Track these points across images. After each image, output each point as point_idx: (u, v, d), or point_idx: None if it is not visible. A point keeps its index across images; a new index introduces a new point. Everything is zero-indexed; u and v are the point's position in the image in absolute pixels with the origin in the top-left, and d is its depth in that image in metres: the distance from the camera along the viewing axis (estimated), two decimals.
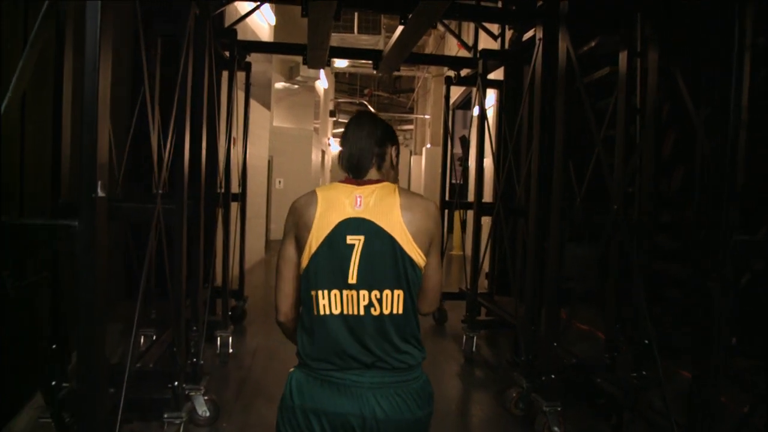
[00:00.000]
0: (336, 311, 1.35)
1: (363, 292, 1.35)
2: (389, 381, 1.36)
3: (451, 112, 15.55)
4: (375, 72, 19.04)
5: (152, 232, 2.30)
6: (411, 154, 21.50)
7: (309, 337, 1.39)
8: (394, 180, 1.54)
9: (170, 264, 2.65)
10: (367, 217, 1.37)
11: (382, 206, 1.39)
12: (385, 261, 1.36)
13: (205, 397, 3.01)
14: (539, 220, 3.31)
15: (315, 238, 1.37)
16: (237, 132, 4.97)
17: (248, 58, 5.26)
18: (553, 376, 3.03)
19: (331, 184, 1.48)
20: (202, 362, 3.05)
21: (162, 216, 2.38)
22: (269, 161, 11.40)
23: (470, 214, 5.72)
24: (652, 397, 3.10)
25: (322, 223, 1.37)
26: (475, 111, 10.69)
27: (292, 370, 1.44)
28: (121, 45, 4.26)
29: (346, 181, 1.47)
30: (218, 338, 4.17)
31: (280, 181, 12.48)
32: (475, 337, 4.49)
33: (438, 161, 15.85)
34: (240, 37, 5.13)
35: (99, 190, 1.48)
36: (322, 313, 1.36)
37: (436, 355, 4.68)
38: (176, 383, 2.64)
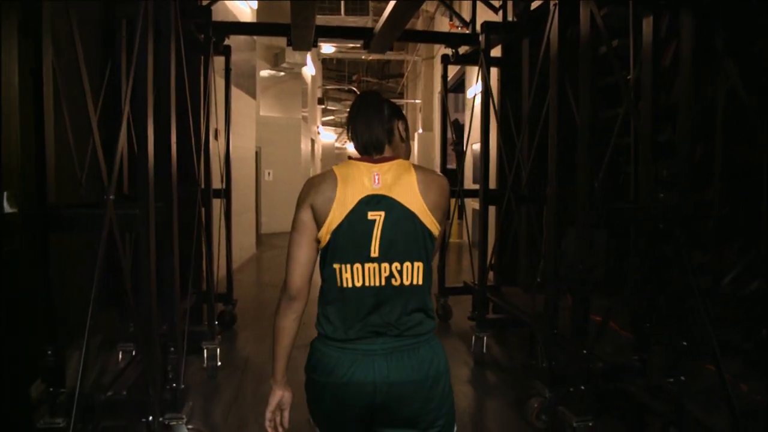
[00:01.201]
0: (358, 284, 1.41)
1: (384, 265, 1.41)
2: (399, 345, 1.42)
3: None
4: (363, 57, 18.44)
5: (102, 245, 1.91)
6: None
7: (329, 309, 1.44)
8: (406, 153, 1.57)
9: (137, 277, 2.26)
10: (387, 193, 1.42)
11: (400, 182, 1.44)
12: (406, 234, 1.42)
13: (189, 426, 2.63)
14: (558, 207, 2.93)
15: (337, 214, 1.41)
16: (218, 122, 4.54)
17: (227, 41, 4.82)
18: (582, 387, 2.68)
19: (347, 162, 1.50)
20: (183, 386, 2.66)
21: (116, 223, 1.99)
22: (257, 152, 10.95)
23: (469, 201, 5.36)
24: (688, 403, 2.76)
25: (343, 199, 1.41)
26: (469, 93, 10.32)
27: (312, 342, 1.50)
28: (82, 30, 3.81)
29: (362, 159, 1.49)
30: (204, 350, 3.79)
31: (269, 173, 12.04)
32: (485, 338, 4.13)
33: (431, 146, 15.52)
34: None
35: (5, 204, 1.10)
36: (345, 285, 1.41)
37: None
38: (151, 417, 2.26)
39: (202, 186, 3.79)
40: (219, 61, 4.99)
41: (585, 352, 2.72)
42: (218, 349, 3.83)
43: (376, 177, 1.44)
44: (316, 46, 4.84)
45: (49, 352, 2.58)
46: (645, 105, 3.09)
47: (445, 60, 5.13)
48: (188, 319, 4.40)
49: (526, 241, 4.75)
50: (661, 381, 2.85)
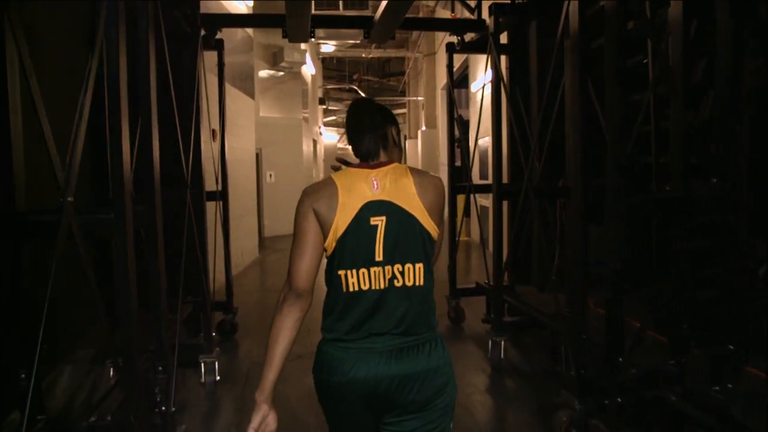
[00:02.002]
0: (365, 287, 1.44)
1: (388, 267, 1.45)
2: (400, 344, 1.45)
3: (444, 91, 14.74)
4: (363, 56, 18.16)
5: (57, 253, 1.65)
6: (406, 139, 20.75)
7: (335, 313, 1.47)
8: (399, 158, 1.60)
9: (116, 290, 2.00)
10: (387, 198, 1.46)
11: (398, 186, 1.48)
12: (407, 237, 1.46)
13: None
14: (584, 199, 2.66)
15: (341, 222, 1.44)
16: (211, 121, 4.27)
17: (220, 35, 4.56)
18: (619, 399, 2.40)
19: (345, 170, 1.54)
20: (173, 409, 2.39)
21: (77, 229, 1.73)
22: (257, 154, 10.69)
23: (477, 197, 5.07)
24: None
25: (346, 207, 1.44)
26: (473, 87, 10.02)
27: (319, 343, 1.52)
28: (67, 24, 3.56)
29: (359, 166, 1.53)
30: (202, 364, 3.53)
31: (271, 175, 11.79)
32: (502, 342, 3.86)
33: (435, 144, 15.22)
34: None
35: None
36: (352, 290, 1.44)
37: (457, 364, 4.03)
38: None
39: (191, 187, 3.51)
40: (213, 59, 4.75)
41: (621, 360, 2.43)
42: (216, 363, 3.57)
43: (375, 182, 1.48)
44: (313, 36, 4.58)
45: (23, 376, 2.32)
46: (675, 85, 2.81)
47: (450, 48, 4.85)
48: (185, 331, 4.16)
49: (538, 237, 4.48)
50: (705, 388, 2.57)
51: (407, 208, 1.46)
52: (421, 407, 1.46)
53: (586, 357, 2.80)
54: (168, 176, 3.60)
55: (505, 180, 5.10)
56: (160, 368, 2.36)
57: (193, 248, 3.37)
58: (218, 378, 3.57)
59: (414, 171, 1.52)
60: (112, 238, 1.95)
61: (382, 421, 1.50)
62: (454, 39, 4.83)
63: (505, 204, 4.58)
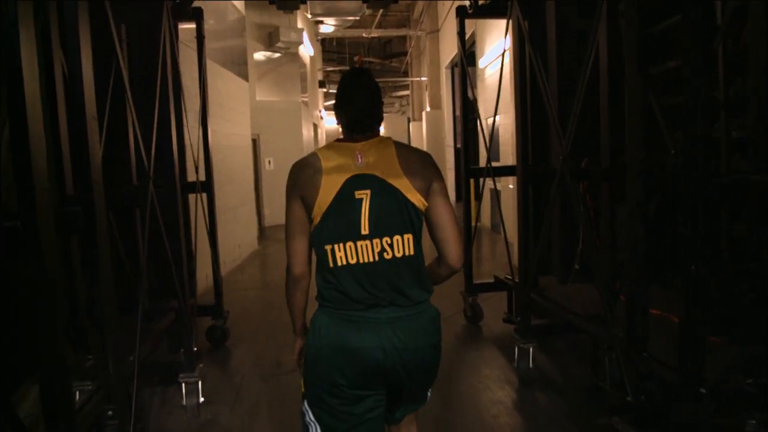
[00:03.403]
0: (352, 261, 1.48)
1: (375, 240, 1.48)
2: (403, 315, 1.50)
3: (449, 70, 14.00)
4: (364, 35, 17.48)
5: None
6: (409, 121, 20.09)
7: (328, 286, 1.50)
8: (379, 131, 1.61)
9: (38, 311, 1.47)
10: (371, 171, 1.49)
11: (382, 159, 1.50)
12: (392, 209, 1.49)
13: None
14: (642, 181, 2.11)
15: (325, 197, 1.47)
16: (184, 102, 3.71)
17: (198, 4, 4.00)
18: None
19: (329, 144, 1.56)
20: None
21: None
22: (254, 140, 10.14)
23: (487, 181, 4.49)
24: None
25: (329, 182, 1.47)
26: (482, 63, 9.39)
27: (315, 313, 1.57)
28: None
29: (344, 140, 1.56)
30: (183, 385, 3.02)
31: (269, 161, 11.25)
32: (531, 349, 3.33)
33: (440, 125, 14.57)
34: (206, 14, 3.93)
35: None
36: (339, 264, 1.48)
37: (478, 374, 3.52)
38: None
39: (156, 179, 2.97)
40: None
41: (704, 391, 1.90)
42: (200, 382, 3.06)
43: (359, 156, 1.49)
44: (304, 2, 4.01)
45: None
46: (756, 37, 2.24)
47: (462, 12, 4.25)
48: (167, 343, 3.65)
49: (561, 224, 3.93)
50: None
51: (390, 181, 1.47)
52: (420, 385, 1.58)
53: (646, 378, 2.27)
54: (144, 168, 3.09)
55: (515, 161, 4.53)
56: (110, 413, 1.84)
57: (164, 248, 2.84)
58: (202, 399, 3.07)
59: (398, 144, 1.53)
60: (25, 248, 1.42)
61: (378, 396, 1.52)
62: (466, 2, 4.25)
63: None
